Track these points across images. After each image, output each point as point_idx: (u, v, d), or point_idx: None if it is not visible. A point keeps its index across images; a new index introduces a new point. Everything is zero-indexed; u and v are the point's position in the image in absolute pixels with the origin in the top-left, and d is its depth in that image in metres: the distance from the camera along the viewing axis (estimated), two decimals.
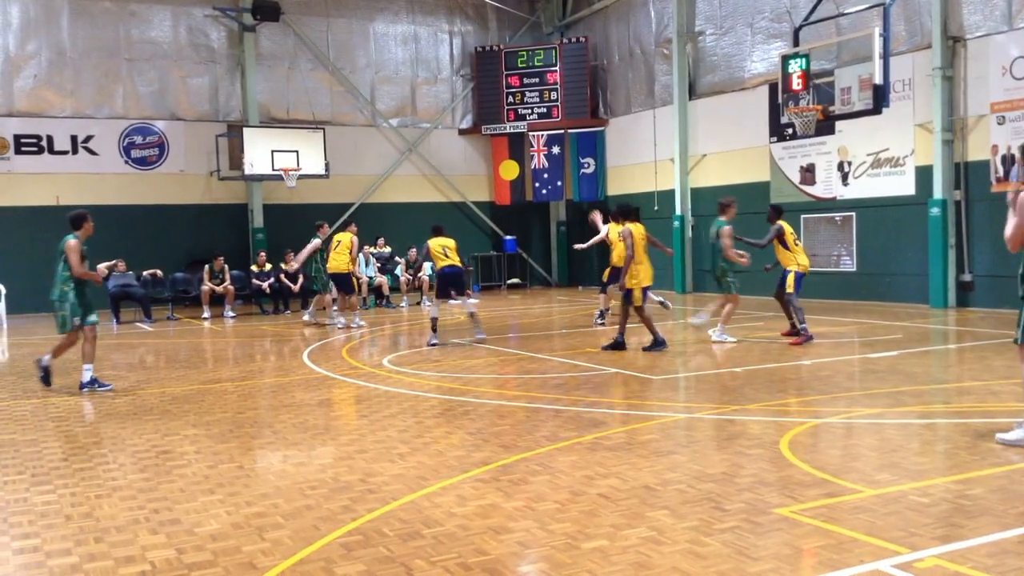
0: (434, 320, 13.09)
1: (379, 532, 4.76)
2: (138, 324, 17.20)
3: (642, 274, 11.51)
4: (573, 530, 4.70)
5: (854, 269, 17.91)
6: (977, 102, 15.55)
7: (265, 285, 19.17)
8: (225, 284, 18.89)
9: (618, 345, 11.61)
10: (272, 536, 4.75)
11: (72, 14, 20.73)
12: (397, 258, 21.55)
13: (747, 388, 8.76)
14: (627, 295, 11.56)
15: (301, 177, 21.17)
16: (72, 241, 9.48)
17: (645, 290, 11.67)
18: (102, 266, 17.99)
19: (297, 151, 21.06)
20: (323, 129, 21.85)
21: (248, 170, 20.68)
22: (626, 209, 11.99)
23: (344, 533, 4.76)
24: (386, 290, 20.46)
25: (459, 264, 13.25)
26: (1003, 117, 15.14)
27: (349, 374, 10.43)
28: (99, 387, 9.68)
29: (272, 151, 20.80)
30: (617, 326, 11.92)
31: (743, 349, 11.60)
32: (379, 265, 20.96)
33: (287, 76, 23.04)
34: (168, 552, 4.54)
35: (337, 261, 15.60)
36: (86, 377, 9.71)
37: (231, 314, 18.61)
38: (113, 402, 9.04)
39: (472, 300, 13.60)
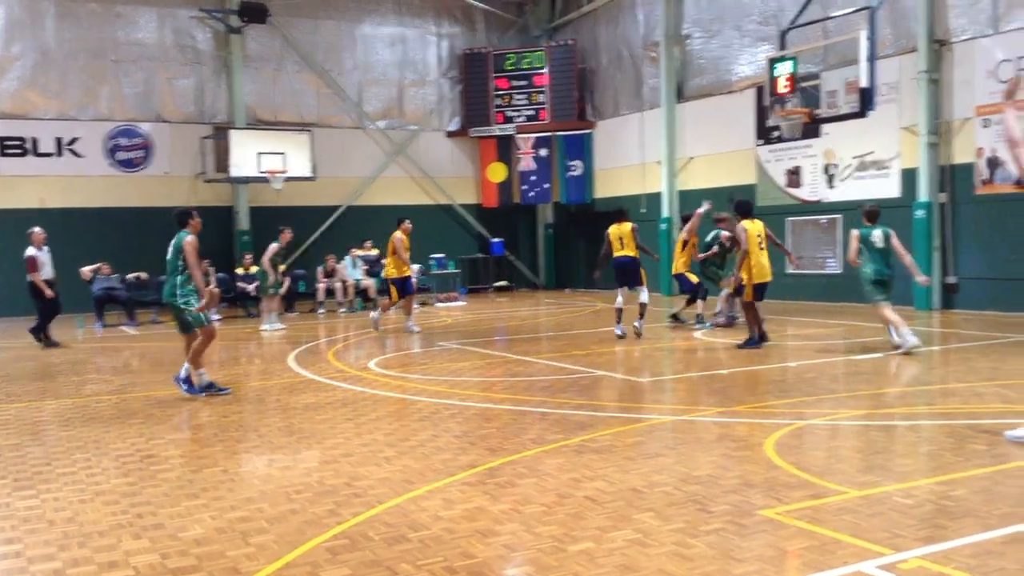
0: (618, 311, 13.17)
1: (365, 536, 4.74)
2: (122, 327, 17.11)
3: (755, 271, 11.56)
4: (559, 532, 4.70)
5: (840, 271, 17.98)
6: (962, 105, 15.65)
7: (251, 288, 19.11)
8: (210, 287, 18.80)
9: (754, 341, 11.71)
10: (257, 541, 4.73)
11: (57, 16, 20.62)
12: (384, 261, 21.48)
13: (733, 390, 8.78)
14: (739, 290, 11.78)
15: (288, 179, 21.09)
16: (191, 238, 9.13)
17: (758, 287, 11.64)
18: (86, 269, 17.99)
19: (284, 153, 20.99)
20: (310, 131, 21.81)
21: (234, 172, 20.60)
22: (744, 206, 12.03)
23: (329, 537, 4.74)
24: (372, 293, 20.42)
25: (633, 254, 13.04)
26: (988, 120, 15.23)
27: (335, 377, 10.40)
28: (217, 391, 9.27)
29: (258, 153, 20.72)
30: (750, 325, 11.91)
31: (730, 351, 11.61)
32: (366, 268, 20.92)
33: (274, 78, 22.98)
34: (152, 557, 4.51)
35: (387, 268, 15.43)
36: (205, 379, 9.31)
37: (216, 317, 18.51)
38: (97, 406, 8.98)
39: (645, 292, 13.17)
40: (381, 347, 13.53)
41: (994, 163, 15.18)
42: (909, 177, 16.48)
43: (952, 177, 15.93)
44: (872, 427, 7.12)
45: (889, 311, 11.17)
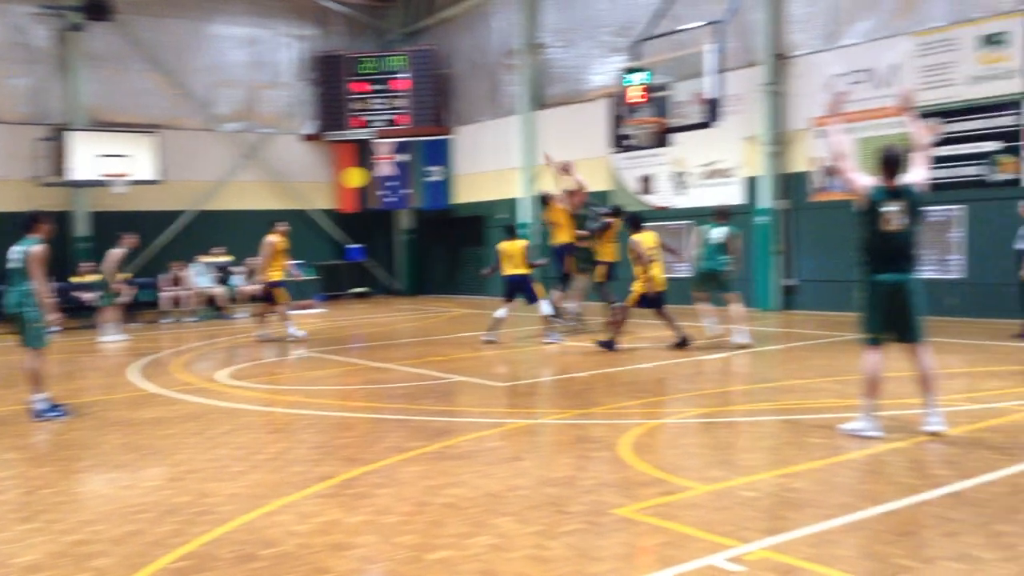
0: (496, 320, 13.12)
1: (213, 556, 4.55)
2: None
3: (652, 280, 11.69)
4: (418, 542, 4.65)
5: (687, 275, 18.61)
6: (800, 116, 16.55)
7: (90, 297, 18.10)
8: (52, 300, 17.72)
9: (685, 341, 11.85)
10: (96, 564, 4.46)
11: None
12: (236, 267, 20.88)
13: (589, 392, 8.94)
14: (642, 299, 11.88)
15: (132, 183, 20.14)
16: (38, 248, 8.34)
17: (655, 295, 11.79)
18: None
19: (128, 156, 20.04)
20: (156, 133, 20.90)
21: (73, 175, 19.50)
22: (635, 219, 12.21)
23: (175, 558, 4.52)
24: (221, 301, 19.79)
25: (524, 271, 13.04)
26: (824, 131, 16.14)
27: (180, 390, 9.96)
28: (52, 414, 8.43)
29: (100, 155, 19.71)
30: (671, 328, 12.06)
31: (584, 354, 11.84)
32: (215, 275, 20.25)
33: (118, 78, 21.92)
34: None
35: (269, 272, 14.61)
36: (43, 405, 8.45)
37: (54, 328, 17.46)
38: None
39: (545, 304, 13.19)
40: (231, 357, 13.08)
41: (829, 172, 16.10)
42: (752, 185, 17.28)
43: (791, 185, 16.82)
44: (718, 424, 7.40)
45: (706, 306, 12.08)
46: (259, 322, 15.11)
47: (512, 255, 13.11)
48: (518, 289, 13.18)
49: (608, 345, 11.87)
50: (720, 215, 12.24)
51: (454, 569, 4.24)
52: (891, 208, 6.43)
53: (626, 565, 4.22)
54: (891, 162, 6.51)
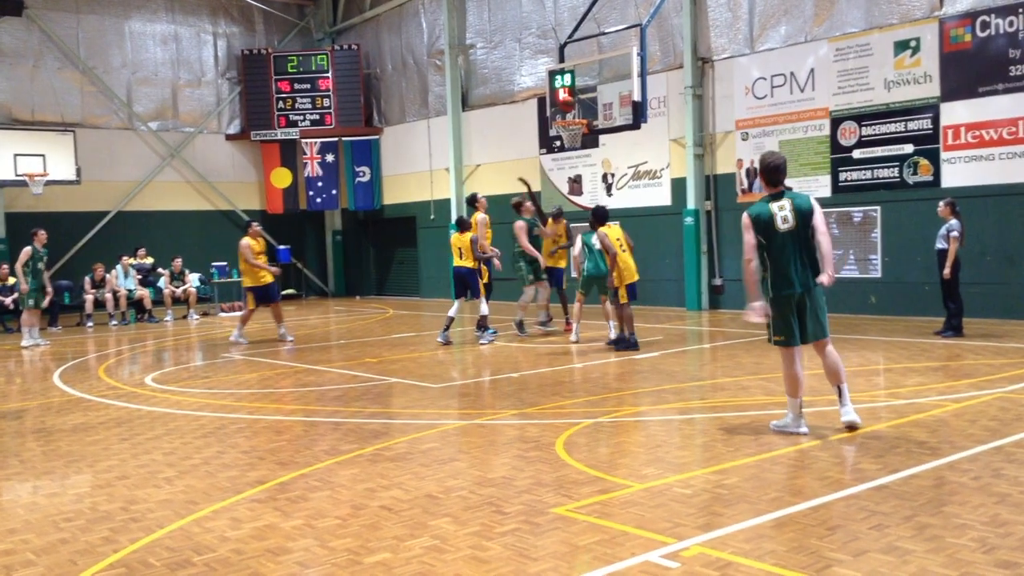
0: (449, 319, 13.30)
1: (145, 563, 4.44)
2: None
3: (624, 272, 11.72)
4: (355, 545, 4.61)
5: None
6: (724, 119, 16.87)
7: (8, 301, 17.51)
8: None
9: (630, 344, 11.87)
10: (23, 574, 4.32)
11: None
12: (160, 269, 20.41)
13: (523, 393, 8.98)
14: (614, 293, 11.85)
15: (48, 183, 19.51)
16: None
17: (629, 287, 11.82)
18: None
19: (43, 155, 19.40)
20: (73, 132, 20.28)
21: None
22: (600, 212, 12.13)
23: (105, 566, 4.41)
24: (148, 304, 19.34)
25: (471, 265, 12.99)
26: (746, 134, 16.51)
27: (107, 395, 9.70)
28: None
29: (14, 155, 19.05)
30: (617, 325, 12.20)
31: (522, 354, 11.88)
32: (140, 277, 19.75)
33: (31, 75, 21.21)
34: None
35: (243, 277, 14.40)
36: None
37: None
38: None
39: (484, 303, 13.22)
40: (158, 361, 12.77)
41: (752, 173, 16.47)
42: (678, 186, 17.56)
43: (716, 186, 17.14)
44: (652, 422, 7.50)
45: (579, 305, 12.66)
46: (277, 324, 14.77)
47: (460, 248, 13.09)
48: (465, 283, 13.17)
49: (627, 345, 11.92)
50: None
51: (392, 572, 4.22)
52: (779, 205, 6.60)
53: (564, 564, 4.25)
54: (771, 170, 6.69)
